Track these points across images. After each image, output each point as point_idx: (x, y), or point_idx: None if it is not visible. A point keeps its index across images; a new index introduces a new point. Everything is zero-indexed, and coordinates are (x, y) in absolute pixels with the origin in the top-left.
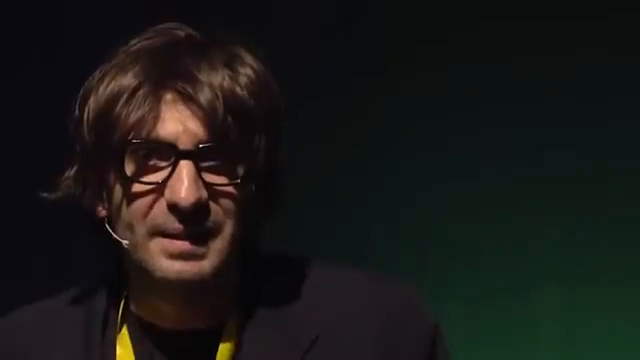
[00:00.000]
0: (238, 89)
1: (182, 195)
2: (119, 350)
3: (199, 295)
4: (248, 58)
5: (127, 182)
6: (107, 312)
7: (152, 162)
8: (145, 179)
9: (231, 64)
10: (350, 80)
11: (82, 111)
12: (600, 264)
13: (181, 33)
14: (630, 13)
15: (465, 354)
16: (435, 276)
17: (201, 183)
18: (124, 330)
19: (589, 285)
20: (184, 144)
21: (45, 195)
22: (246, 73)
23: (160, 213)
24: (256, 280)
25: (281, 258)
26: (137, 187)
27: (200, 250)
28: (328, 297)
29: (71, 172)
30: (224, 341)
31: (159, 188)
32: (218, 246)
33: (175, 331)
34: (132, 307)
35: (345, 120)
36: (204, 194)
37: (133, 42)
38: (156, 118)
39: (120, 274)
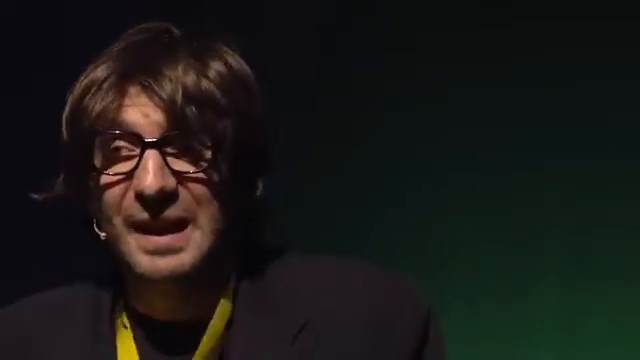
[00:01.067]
0: (204, 81)
1: (147, 183)
2: (120, 343)
3: (186, 288)
4: (222, 52)
5: (97, 174)
6: (112, 305)
7: (120, 154)
8: (112, 170)
9: (202, 58)
10: (350, 80)
11: (64, 111)
12: (600, 264)
13: (160, 30)
14: (630, 13)
15: (465, 354)
16: (435, 276)
17: (168, 171)
18: (126, 322)
19: (589, 285)
20: (148, 134)
21: (36, 197)
22: (215, 66)
23: (130, 203)
24: (245, 270)
25: (267, 249)
26: (107, 179)
27: (177, 244)
28: (317, 284)
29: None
30: (213, 331)
31: (128, 179)
32: (197, 238)
33: (168, 322)
34: (130, 300)
35: (345, 120)
36: (170, 182)
37: (116, 42)
38: (119, 108)
39: (117, 270)
